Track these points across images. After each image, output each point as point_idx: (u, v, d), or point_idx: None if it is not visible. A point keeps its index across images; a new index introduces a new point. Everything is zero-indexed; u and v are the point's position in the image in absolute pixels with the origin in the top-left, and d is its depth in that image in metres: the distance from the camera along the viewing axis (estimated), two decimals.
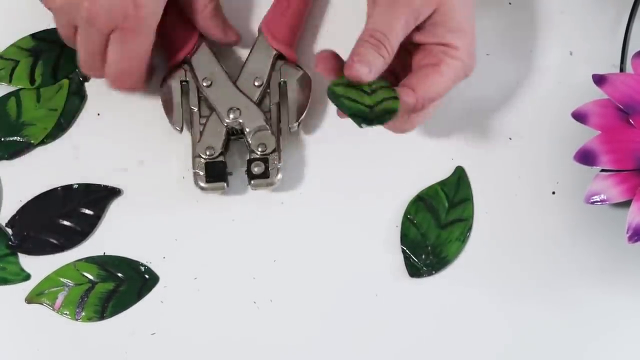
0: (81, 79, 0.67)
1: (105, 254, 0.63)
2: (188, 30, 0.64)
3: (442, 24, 0.58)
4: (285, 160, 0.64)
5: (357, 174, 0.65)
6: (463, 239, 0.63)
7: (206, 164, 0.63)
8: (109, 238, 0.64)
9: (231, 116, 0.63)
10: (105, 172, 0.65)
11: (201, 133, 0.63)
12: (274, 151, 0.63)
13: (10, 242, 0.64)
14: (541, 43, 0.68)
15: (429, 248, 0.63)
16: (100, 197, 0.64)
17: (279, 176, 0.63)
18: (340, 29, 0.64)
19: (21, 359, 0.62)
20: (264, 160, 0.63)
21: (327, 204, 0.64)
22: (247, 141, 0.63)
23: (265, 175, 0.63)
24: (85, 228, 0.64)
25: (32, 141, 0.65)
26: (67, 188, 0.65)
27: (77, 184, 0.65)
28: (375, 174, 0.65)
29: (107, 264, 0.63)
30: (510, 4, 0.69)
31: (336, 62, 0.57)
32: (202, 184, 0.63)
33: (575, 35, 0.68)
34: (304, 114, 0.64)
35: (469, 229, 0.64)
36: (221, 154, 0.63)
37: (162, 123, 0.65)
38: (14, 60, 0.67)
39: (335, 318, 0.62)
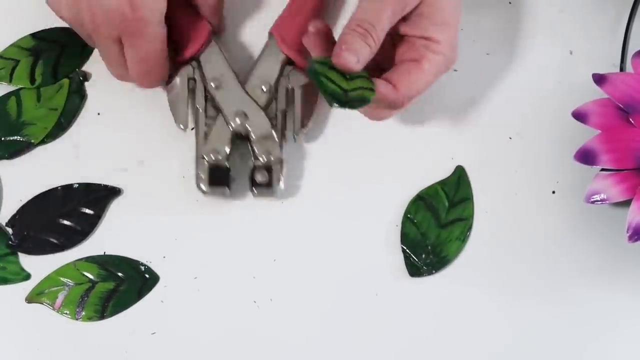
0: (81, 78, 0.67)
1: (106, 253, 0.63)
2: (198, 25, 0.64)
3: (427, 16, 0.58)
4: (287, 163, 0.64)
5: (357, 173, 0.65)
6: (463, 238, 0.63)
7: (210, 167, 0.62)
8: (109, 238, 0.64)
9: (238, 120, 0.63)
10: (105, 171, 0.65)
11: (206, 134, 0.63)
12: (278, 160, 0.63)
13: (10, 242, 0.64)
14: (541, 42, 0.68)
15: (429, 247, 0.63)
16: (100, 196, 0.64)
17: (282, 186, 0.63)
18: None
19: (21, 358, 0.62)
20: (268, 169, 0.63)
21: (327, 203, 0.64)
22: (252, 147, 0.63)
23: (269, 184, 0.62)
24: (86, 228, 0.64)
25: (32, 141, 0.65)
26: (67, 188, 0.65)
27: (77, 183, 0.65)
28: (375, 173, 0.65)
29: (108, 264, 0.63)
30: (510, 3, 0.69)
31: (326, 40, 0.58)
32: (204, 187, 0.62)
33: (575, 34, 0.68)
34: (310, 123, 0.64)
35: (469, 228, 0.64)
36: (226, 158, 0.63)
37: (163, 122, 0.65)
38: (14, 60, 0.67)
39: (335, 317, 0.62)
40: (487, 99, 0.67)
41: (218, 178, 0.62)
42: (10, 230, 0.64)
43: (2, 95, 0.67)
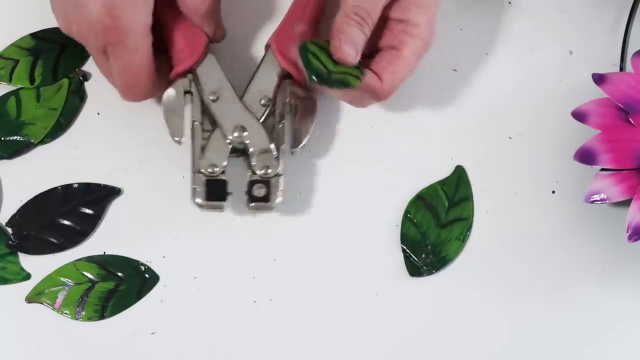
0: (81, 78, 0.67)
1: (105, 253, 0.63)
2: (194, 37, 0.63)
3: None
4: (287, 162, 0.64)
5: (356, 173, 0.65)
6: (463, 238, 0.63)
7: (207, 181, 0.61)
8: (109, 237, 0.64)
9: (235, 134, 0.62)
10: (105, 171, 0.65)
11: (203, 148, 0.62)
12: (276, 175, 0.61)
13: (10, 242, 0.64)
14: (541, 42, 0.68)
15: (429, 247, 0.63)
16: (100, 196, 0.64)
17: (279, 200, 0.61)
18: None
19: (21, 358, 0.62)
20: (266, 183, 0.61)
21: (327, 203, 0.64)
22: (250, 161, 0.62)
23: (266, 199, 0.61)
24: (85, 227, 0.64)
25: (32, 140, 0.65)
26: (67, 187, 0.65)
27: (77, 183, 0.65)
28: (375, 173, 0.65)
29: (107, 264, 0.63)
30: (510, 3, 0.69)
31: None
32: (200, 201, 0.61)
33: (575, 34, 0.68)
34: (307, 138, 0.63)
35: (469, 228, 0.64)
36: (223, 172, 0.62)
37: (163, 123, 0.65)
38: (13, 60, 0.67)
39: (335, 317, 0.62)
40: (487, 99, 0.67)
41: (215, 192, 0.61)
42: (10, 230, 0.64)
43: (2, 95, 0.67)
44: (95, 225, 0.64)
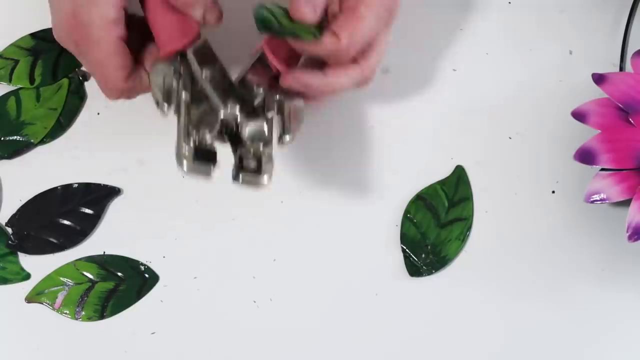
0: (80, 78, 0.67)
1: (105, 253, 0.63)
2: (186, 23, 0.59)
3: None
4: (284, 159, 0.64)
5: (356, 173, 0.65)
6: (463, 238, 0.63)
7: (195, 148, 0.56)
8: (108, 237, 0.64)
9: (229, 110, 0.58)
10: (105, 171, 0.65)
11: (191, 122, 0.57)
12: (268, 150, 0.57)
13: (10, 242, 0.64)
14: (541, 42, 0.68)
15: (429, 247, 0.63)
16: (100, 196, 0.65)
17: (267, 177, 0.57)
18: None
19: (21, 358, 0.62)
20: (258, 159, 0.57)
21: (327, 203, 0.64)
22: (242, 138, 0.58)
23: (258, 170, 0.57)
24: (85, 227, 0.64)
25: (32, 140, 0.65)
26: (67, 187, 0.65)
27: (76, 183, 0.65)
28: (375, 173, 0.65)
29: (107, 263, 0.63)
30: (509, 3, 0.69)
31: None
32: (186, 164, 0.56)
33: (574, 34, 0.68)
34: (299, 131, 0.59)
35: (469, 228, 0.64)
36: (212, 142, 0.57)
37: (163, 123, 0.65)
38: (13, 60, 0.67)
39: (335, 317, 0.62)
40: (487, 99, 0.67)
41: (203, 156, 0.56)
42: (10, 230, 0.64)
43: (2, 95, 0.67)
44: (95, 225, 0.64)
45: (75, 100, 0.67)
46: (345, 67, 0.58)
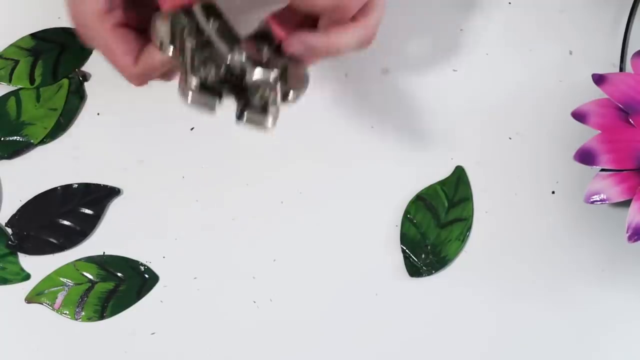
0: (80, 78, 0.67)
1: (105, 253, 0.64)
2: None
3: None
4: (285, 153, 0.64)
5: (357, 173, 0.65)
6: (463, 238, 0.63)
7: (201, 82, 0.54)
8: (108, 238, 0.64)
9: (236, 56, 0.54)
10: (104, 171, 0.65)
11: (196, 65, 0.54)
12: (275, 97, 0.55)
13: (10, 242, 0.64)
14: (541, 42, 0.68)
15: (429, 247, 0.63)
16: (99, 196, 0.65)
17: (271, 120, 0.55)
18: None
19: (21, 358, 0.62)
20: (264, 102, 0.55)
21: (327, 203, 0.64)
22: (247, 85, 0.54)
23: (263, 110, 0.54)
24: (85, 228, 0.64)
25: (32, 141, 0.65)
26: (67, 188, 0.65)
27: (76, 183, 0.65)
28: (375, 173, 0.65)
29: (107, 264, 0.63)
30: (510, 3, 0.69)
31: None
32: (191, 95, 0.53)
33: (574, 34, 0.68)
34: (303, 90, 0.57)
35: (469, 228, 0.64)
36: (218, 82, 0.54)
37: (163, 122, 0.65)
38: (13, 60, 0.67)
39: (335, 317, 0.62)
40: (487, 99, 0.67)
41: (208, 90, 0.54)
42: (10, 231, 0.64)
43: (2, 96, 0.67)
44: (95, 226, 0.64)
45: (75, 101, 0.67)
46: (346, 26, 0.57)
